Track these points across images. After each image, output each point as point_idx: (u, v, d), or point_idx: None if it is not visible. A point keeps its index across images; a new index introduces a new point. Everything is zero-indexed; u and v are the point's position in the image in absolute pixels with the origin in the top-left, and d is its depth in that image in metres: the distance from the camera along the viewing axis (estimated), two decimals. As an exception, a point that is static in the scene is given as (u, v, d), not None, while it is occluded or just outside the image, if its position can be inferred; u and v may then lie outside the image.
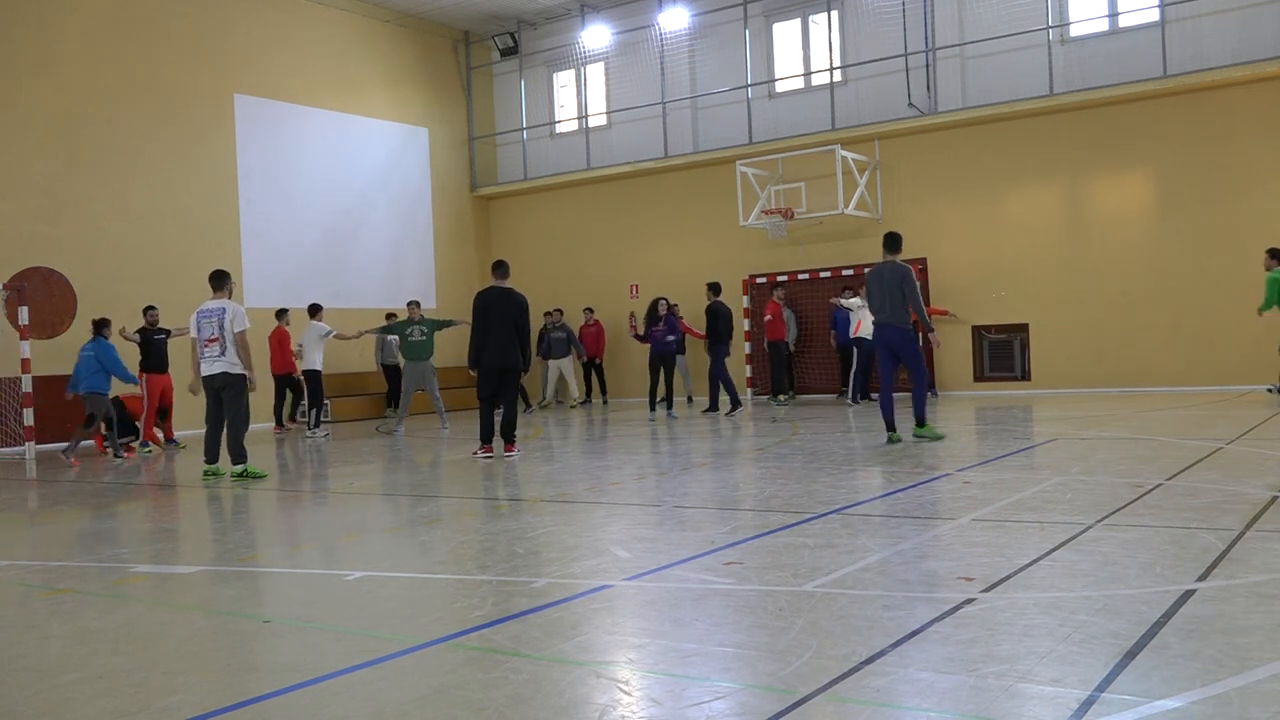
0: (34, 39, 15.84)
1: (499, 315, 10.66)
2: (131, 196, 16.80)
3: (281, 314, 16.32)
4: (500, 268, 11.10)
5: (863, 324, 16.73)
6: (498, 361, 10.70)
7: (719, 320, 15.77)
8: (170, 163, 17.34)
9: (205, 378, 10.30)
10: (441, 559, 5.97)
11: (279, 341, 16.13)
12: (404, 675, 3.71)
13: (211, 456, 10.41)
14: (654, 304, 15.94)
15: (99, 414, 13.12)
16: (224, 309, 10.19)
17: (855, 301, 16.84)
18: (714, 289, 16.26)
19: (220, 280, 10.44)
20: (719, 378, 15.71)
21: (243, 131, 18.44)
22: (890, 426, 10.44)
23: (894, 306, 10.30)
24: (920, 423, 10.50)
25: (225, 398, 10.25)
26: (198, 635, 4.52)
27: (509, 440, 10.99)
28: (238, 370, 10.19)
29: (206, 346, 10.19)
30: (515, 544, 6.09)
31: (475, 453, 11.02)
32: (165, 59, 17.39)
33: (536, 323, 20.72)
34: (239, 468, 10.20)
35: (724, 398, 15.97)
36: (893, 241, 10.60)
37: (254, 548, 6.67)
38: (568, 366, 19.80)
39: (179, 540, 7.12)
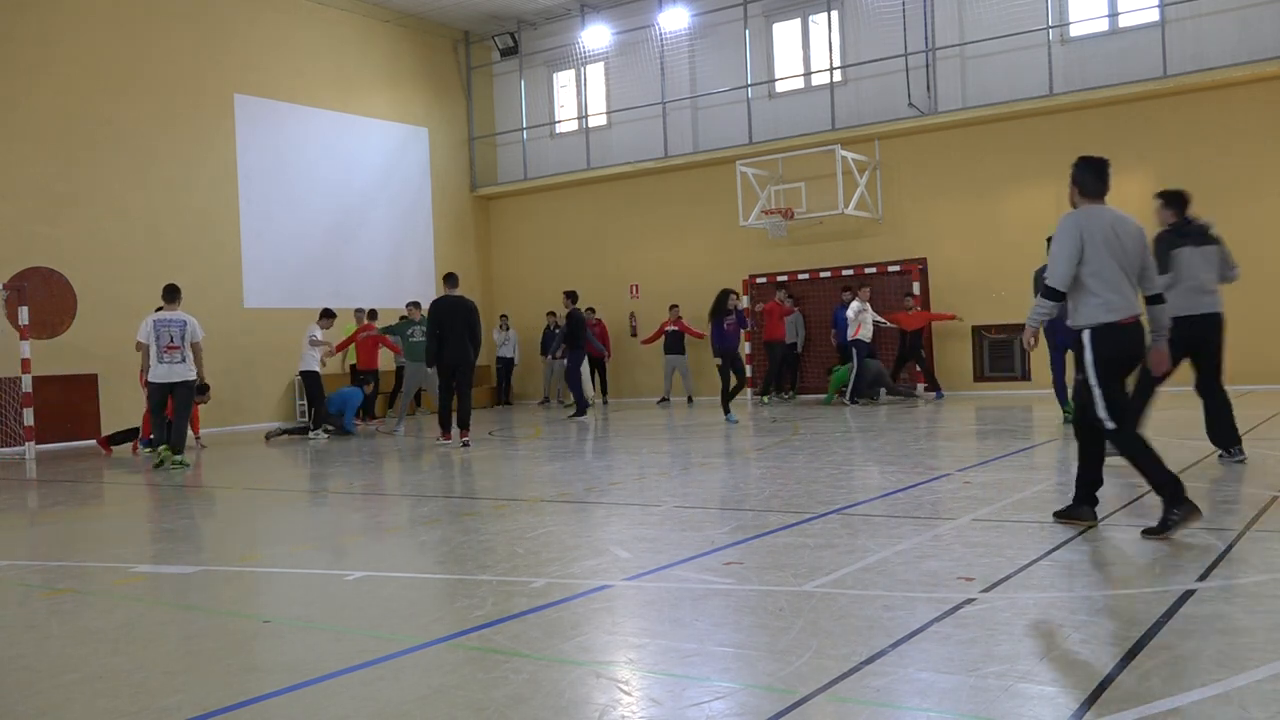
0: (34, 39, 15.84)
1: (453, 321, 12.25)
2: (131, 196, 16.80)
3: (373, 315, 17.64)
4: (451, 279, 12.71)
5: (862, 327, 16.74)
6: (454, 359, 12.27)
7: (581, 328, 16.85)
8: (170, 163, 17.34)
9: (160, 383, 11.55)
10: (441, 559, 5.97)
11: (366, 339, 17.05)
12: (404, 675, 3.71)
13: (160, 441, 11.69)
14: (723, 295, 14.28)
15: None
16: (185, 321, 11.56)
17: (855, 305, 16.84)
18: (571, 297, 17.04)
19: (174, 294, 11.73)
20: (574, 383, 16.60)
21: (243, 131, 18.43)
22: (1064, 402, 11.56)
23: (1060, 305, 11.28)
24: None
25: (180, 397, 11.62)
26: (198, 635, 4.52)
27: (464, 427, 12.45)
28: (191, 376, 11.62)
29: (166, 353, 11.45)
30: (515, 544, 6.09)
31: (437, 439, 12.58)
32: (166, 59, 17.39)
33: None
34: (180, 456, 11.53)
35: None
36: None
37: (254, 548, 6.67)
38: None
39: (179, 540, 7.12)
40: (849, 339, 16.91)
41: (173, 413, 11.72)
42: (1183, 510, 5.20)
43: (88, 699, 3.62)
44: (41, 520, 8.71)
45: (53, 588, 5.56)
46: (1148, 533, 5.31)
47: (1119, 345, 5.45)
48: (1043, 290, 5.63)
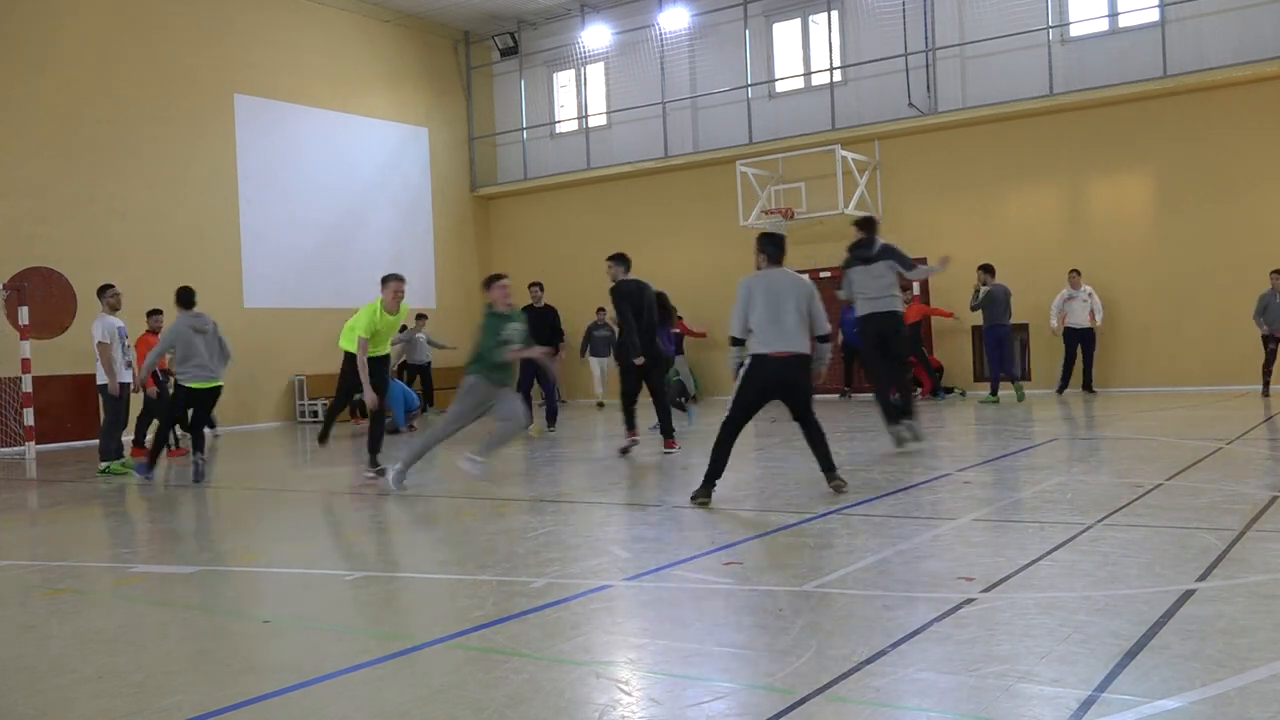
0: (33, 39, 15.84)
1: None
2: (131, 196, 16.80)
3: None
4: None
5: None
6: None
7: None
8: (170, 163, 17.33)
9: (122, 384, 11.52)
10: (441, 559, 5.97)
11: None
12: (404, 675, 3.71)
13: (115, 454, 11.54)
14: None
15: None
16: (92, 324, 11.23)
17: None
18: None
19: (98, 293, 11.43)
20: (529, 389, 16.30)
21: (243, 131, 18.43)
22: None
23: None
24: None
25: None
26: (198, 635, 4.52)
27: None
28: (100, 381, 11.26)
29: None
30: (515, 544, 6.09)
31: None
32: (165, 59, 17.38)
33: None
34: (102, 465, 11.26)
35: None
36: None
37: (254, 548, 6.67)
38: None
39: (179, 540, 7.12)
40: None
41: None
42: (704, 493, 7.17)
43: (88, 699, 3.62)
44: (41, 520, 8.71)
45: (53, 588, 5.56)
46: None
47: (763, 371, 7.08)
48: (730, 339, 7.44)
